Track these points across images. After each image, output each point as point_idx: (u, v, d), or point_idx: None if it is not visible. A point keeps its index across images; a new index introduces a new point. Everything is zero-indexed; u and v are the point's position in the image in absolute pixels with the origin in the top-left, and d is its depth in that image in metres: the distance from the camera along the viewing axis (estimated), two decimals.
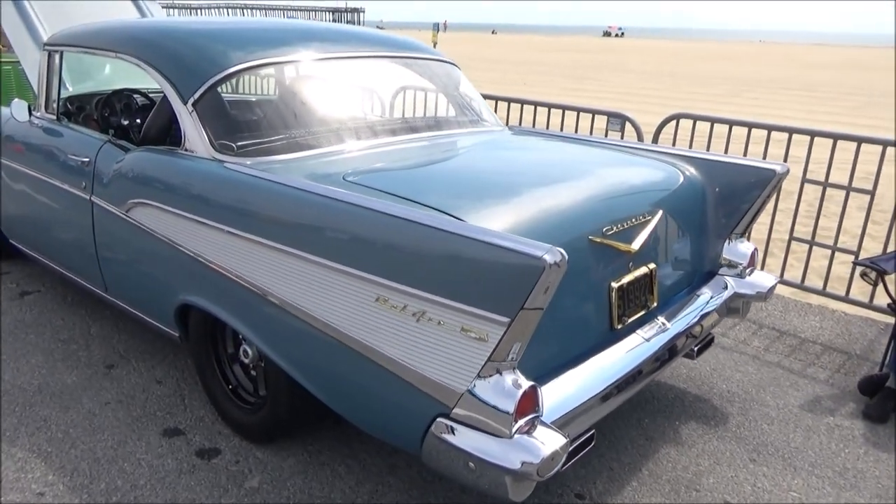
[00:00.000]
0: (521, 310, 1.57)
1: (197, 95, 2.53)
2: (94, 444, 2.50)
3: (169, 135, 3.08)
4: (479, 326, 1.64)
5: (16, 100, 3.43)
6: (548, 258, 1.52)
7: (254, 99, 2.87)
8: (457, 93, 3.29)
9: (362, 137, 2.68)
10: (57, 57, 3.34)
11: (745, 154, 3.60)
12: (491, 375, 1.68)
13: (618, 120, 4.33)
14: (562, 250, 1.54)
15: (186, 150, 2.53)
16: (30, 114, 3.35)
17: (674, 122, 4.14)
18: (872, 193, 3.69)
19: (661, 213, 2.44)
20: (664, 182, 2.61)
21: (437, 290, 1.70)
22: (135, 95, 3.85)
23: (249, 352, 2.49)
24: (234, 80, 2.77)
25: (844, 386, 3.10)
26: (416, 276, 1.73)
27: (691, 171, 2.75)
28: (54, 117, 3.32)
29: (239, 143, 2.49)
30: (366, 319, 1.86)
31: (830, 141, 3.67)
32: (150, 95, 3.93)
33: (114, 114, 3.70)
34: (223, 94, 2.62)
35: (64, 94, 3.47)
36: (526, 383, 1.68)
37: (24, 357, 3.11)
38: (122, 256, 2.82)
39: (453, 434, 1.74)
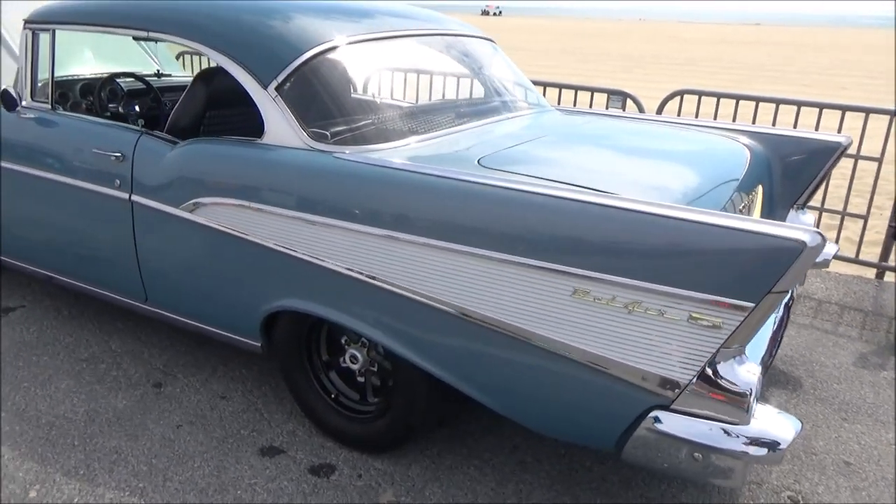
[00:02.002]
0: (768, 294, 1.54)
1: (281, 79, 2.27)
2: (191, 474, 2.23)
3: (202, 125, 2.80)
4: (714, 314, 1.59)
5: (4, 88, 2.96)
6: (808, 240, 1.49)
7: (335, 82, 2.60)
8: (508, 72, 3.18)
9: (455, 121, 2.52)
10: (47, 36, 2.91)
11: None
12: (721, 363, 1.64)
13: (619, 97, 4.37)
14: (820, 232, 1.52)
15: (270, 140, 2.27)
16: (17, 104, 2.90)
17: (677, 98, 4.24)
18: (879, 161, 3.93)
19: (761, 187, 2.49)
20: (750, 157, 2.65)
21: (657, 279, 1.62)
22: (121, 80, 3.45)
23: (359, 357, 2.30)
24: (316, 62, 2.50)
25: (878, 341, 3.33)
26: (631, 267, 1.65)
27: (758, 145, 2.82)
28: (48, 106, 2.89)
29: (332, 131, 2.27)
30: (559, 315, 1.75)
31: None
32: (147, 80, 3.56)
33: (114, 100, 3.30)
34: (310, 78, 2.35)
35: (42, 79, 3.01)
36: (756, 368, 1.66)
37: (50, 382, 2.72)
38: (179, 262, 2.50)
39: (674, 426, 1.69)
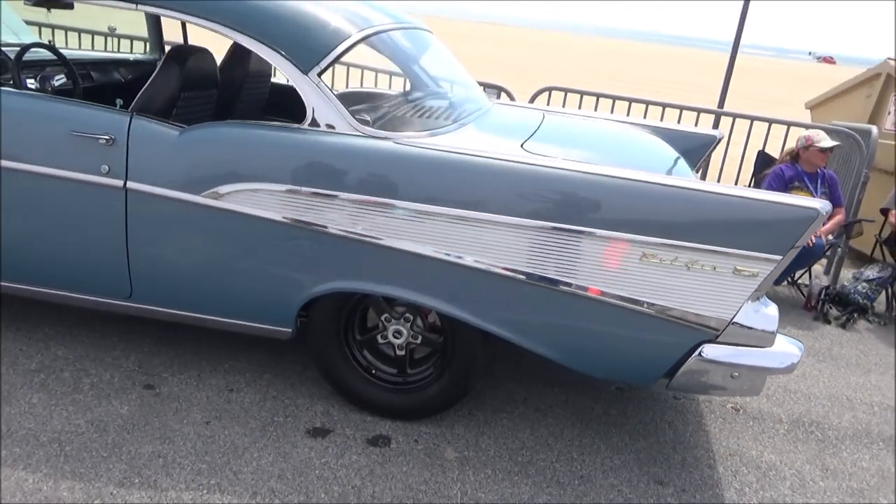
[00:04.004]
0: (791, 248, 2.10)
1: (324, 64, 2.30)
2: (256, 464, 2.19)
3: (175, 107, 2.65)
4: (752, 266, 2.11)
5: None
6: (819, 207, 2.08)
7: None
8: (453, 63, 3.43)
9: (466, 110, 2.73)
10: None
11: None
12: (752, 302, 2.17)
13: (494, 90, 4.84)
14: (829, 203, 2.12)
15: (313, 125, 2.28)
16: None
17: (546, 94, 4.85)
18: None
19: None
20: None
21: (711, 241, 2.09)
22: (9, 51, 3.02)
23: (403, 332, 2.44)
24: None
25: None
26: (691, 233, 2.10)
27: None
28: None
29: (373, 117, 2.37)
30: (630, 276, 2.15)
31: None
32: (62, 53, 3.16)
33: (42, 75, 2.91)
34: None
35: None
36: (776, 308, 2.23)
37: (14, 398, 2.37)
38: (193, 253, 2.37)
39: (718, 354, 2.19)
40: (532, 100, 4.90)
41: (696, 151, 3.51)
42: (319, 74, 2.30)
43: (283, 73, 2.31)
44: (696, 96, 15.48)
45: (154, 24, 3.85)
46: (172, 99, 2.62)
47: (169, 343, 2.83)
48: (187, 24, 3.86)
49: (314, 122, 2.29)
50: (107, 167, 2.33)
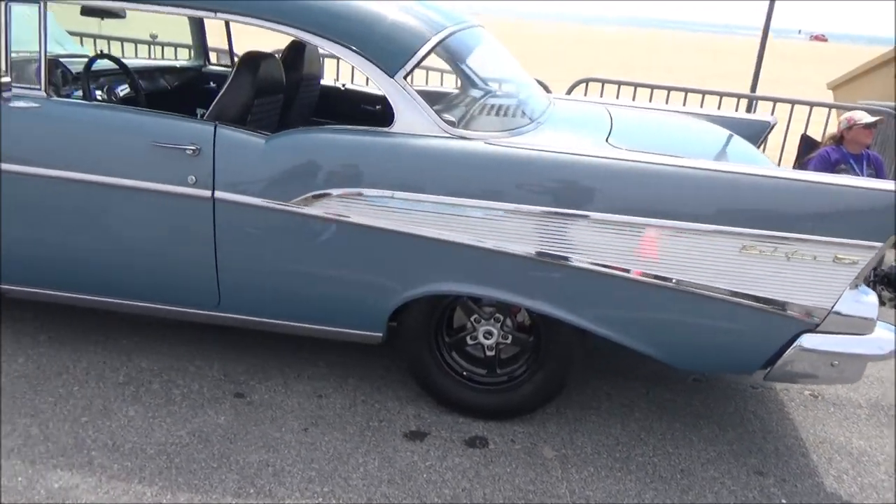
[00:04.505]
0: (891, 235, 2.10)
1: (410, 67, 2.29)
2: (363, 470, 2.19)
3: (249, 114, 2.64)
4: (852, 254, 2.11)
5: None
6: None
7: (452, 70, 2.58)
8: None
9: (538, 107, 2.72)
10: (28, 9, 2.46)
11: None
12: (851, 290, 2.18)
13: None
14: None
15: (401, 129, 2.27)
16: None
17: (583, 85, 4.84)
18: None
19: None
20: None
21: (811, 231, 2.10)
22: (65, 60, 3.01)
23: (494, 332, 2.45)
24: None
25: None
26: (791, 224, 2.10)
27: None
28: (42, 93, 2.45)
29: (459, 120, 2.36)
30: (730, 268, 2.15)
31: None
32: (124, 64, 3.15)
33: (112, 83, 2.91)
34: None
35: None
36: (874, 295, 2.23)
37: (110, 412, 2.37)
38: (284, 260, 2.36)
39: (818, 343, 2.19)
40: (569, 91, 4.89)
41: (752, 139, 3.50)
42: (405, 77, 2.29)
43: (369, 76, 2.30)
44: (718, 82, 15.47)
45: (198, 30, 3.83)
46: (247, 106, 2.61)
47: (246, 350, 2.84)
48: (231, 31, 3.88)
49: (402, 125, 2.28)
50: (193, 178, 2.32)
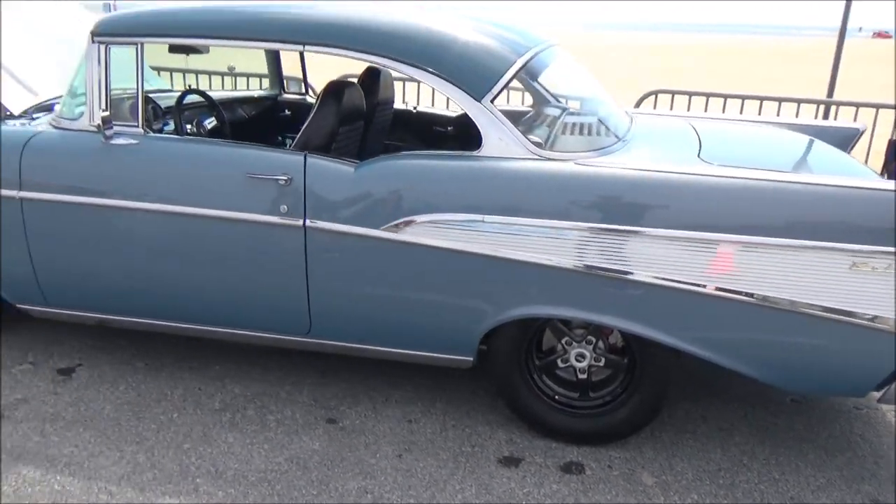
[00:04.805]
0: None
1: (496, 91, 2.29)
2: (461, 496, 2.18)
3: (334, 142, 2.68)
4: None
5: (71, 102, 2.56)
6: None
7: (534, 92, 2.61)
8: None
9: (619, 125, 2.68)
10: (128, 52, 2.56)
11: None
12: None
13: None
14: None
15: (490, 152, 2.27)
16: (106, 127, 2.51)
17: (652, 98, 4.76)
18: None
19: None
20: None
21: None
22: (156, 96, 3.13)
23: (586, 354, 2.41)
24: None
25: None
26: None
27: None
28: (139, 130, 2.54)
29: (545, 141, 2.35)
30: (839, 286, 2.05)
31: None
32: (211, 97, 3.26)
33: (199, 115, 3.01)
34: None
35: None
36: None
37: (211, 439, 2.43)
38: (375, 287, 2.38)
39: None
40: (638, 104, 4.81)
41: (840, 147, 3.38)
42: (492, 101, 2.29)
43: (456, 101, 2.31)
44: (791, 88, 14.96)
45: (273, 61, 3.94)
46: (332, 134, 2.66)
47: (333, 375, 2.86)
48: (305, 59, 3.97)
49: (490, 149, 2.28)
50: (285, 207, 2.37)
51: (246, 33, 2.47)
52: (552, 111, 2.60)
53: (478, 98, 2.28)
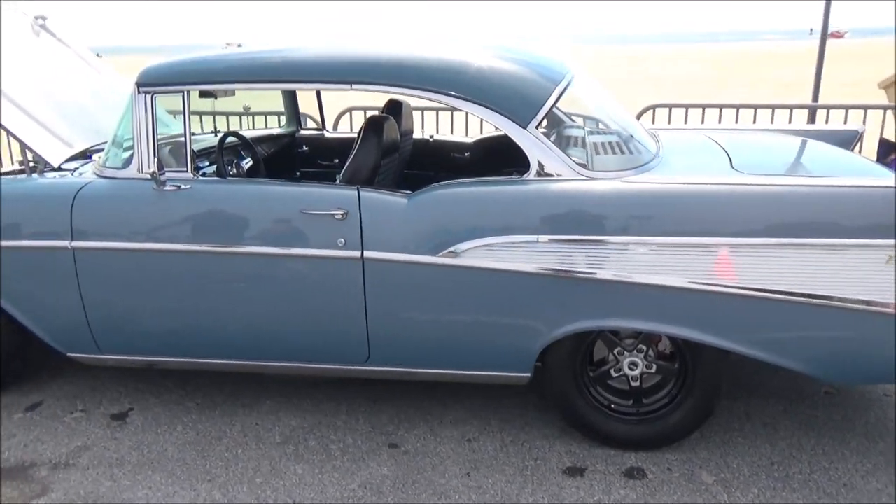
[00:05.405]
0: None
1: (540, 117, 2.41)
2: None
3: (377, 175, 2.78)
4: None
5: (116, 151, 2.64)
6: None
7: (575, 116, 2.72)
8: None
9: (651, 143, 2.81)
10: (174, 100, 2.64)
11: None
12: None
13: None
14: None
15: (538, 175, 2.38)
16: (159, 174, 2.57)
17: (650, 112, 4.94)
18: None
19: None
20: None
21: None
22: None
23: (639, 363, 2.52)
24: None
25: None
26: None
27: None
28: (189, 174, 2.62)
29: (587, 161, 2.46)
30: (877, 280, 2.20)
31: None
32: (246, 138, 3.35)
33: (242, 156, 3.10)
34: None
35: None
36: None
37: (280, 472, 2.47)
38: (434, 312, 2.47)
39: None
40: (637, 119, 4.98)
41: (844, 148, 3.56)
42: (537, 127, 2.41)
43: (503, 129, 2.42)
44: (768, 92, 15.33)
45: (291, 100, 4.03)
46: (376, 167, 2.75)
47: (385, 401, 2.93)
48: (322, 96, 4.08)
49: (539, 172, 2.39)
50: (343, 240, 2.46)
51: (295, 76, 2.58)
52: (588, 133, 2.72)
53: (523, 125, 2.40)
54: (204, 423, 2.80)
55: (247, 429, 2.76)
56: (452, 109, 3.19)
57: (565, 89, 2.58)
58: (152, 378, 3.14)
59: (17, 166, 3.56)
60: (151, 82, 2.62)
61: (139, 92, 2.62)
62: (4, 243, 2.70)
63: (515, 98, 2.44)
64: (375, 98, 3.26)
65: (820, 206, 2.21)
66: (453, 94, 2.42)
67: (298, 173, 4.05)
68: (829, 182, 2.28)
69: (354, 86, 2.51)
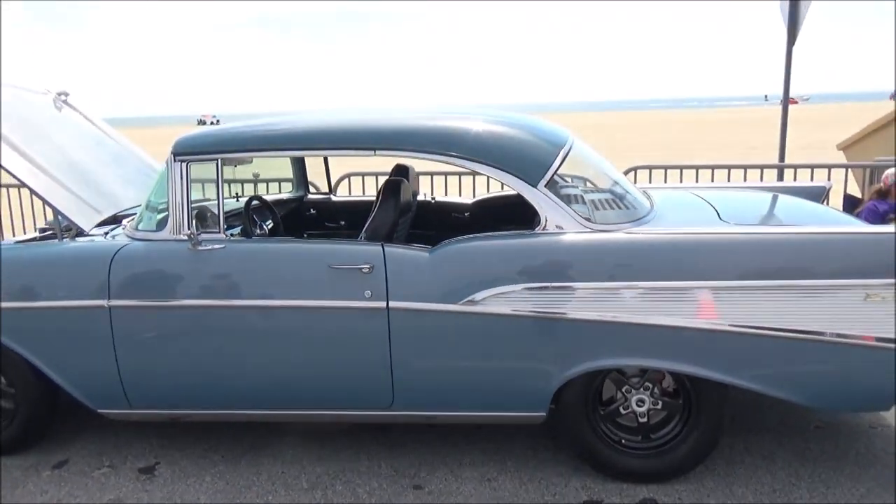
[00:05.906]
0: None
1: (549, 177, 2.67)
2: None
3: (395, 233, 3.00)
4: None
5: (150, 215, 2.83)
6: None
7: (578, 175, 3.00)
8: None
9: (639, 196, 3.08)
10: (207, 167, 2.86)
11: None
12: None
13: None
14: None
15: (548, 228, 2.63)
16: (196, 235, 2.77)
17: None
18: None
19: None
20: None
21: None
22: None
23: (646, 399, 2.71)
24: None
25: None
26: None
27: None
28: (221, 236, 2.82)
29: (593, 216, 2.71)
30: (856, 316, 2.45)
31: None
32: (269, 202, 3.57)
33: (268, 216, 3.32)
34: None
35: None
36: None
37: None
38: (454, 357, 2.66)
39: None
40: None
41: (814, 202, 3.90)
42: (545, 185, 2.67)
43: (515, 188, 2.68)
44: (736, 154, 15.95)
45: (299, 167, 4.28)
46: (394, 225, 2.98)
47: (402, 445, 3.07)
48: (329, 162, 4.35)
49: (548, 226, 2.64)
50: (370, 292, 2.65)
51: (323, 143, 2.83)
52: (589, 191, 2.99)
53: (534, 185, 2.66)
54: (231, 474, 2.90)
55: (274, 477, 2.87)
56: (474, 174, 3.43)
57: (568, 152, 2.86)
58: (174, 433, 3.23)
59: (37, 233, 3.72)
60: (187, 151, 2.84)
61: (175, 160, 2.84)
62: (41, 304, 2.84)
63: (527, 161, 2.71)
64: (370, 164, 3.52)
65: (804, 250, 2.48)
66: (471, 158, 2.68)
67: (306, 235, 4.26)
68: (810, 230, 2.56)
69: (377, 152, 2.77)
